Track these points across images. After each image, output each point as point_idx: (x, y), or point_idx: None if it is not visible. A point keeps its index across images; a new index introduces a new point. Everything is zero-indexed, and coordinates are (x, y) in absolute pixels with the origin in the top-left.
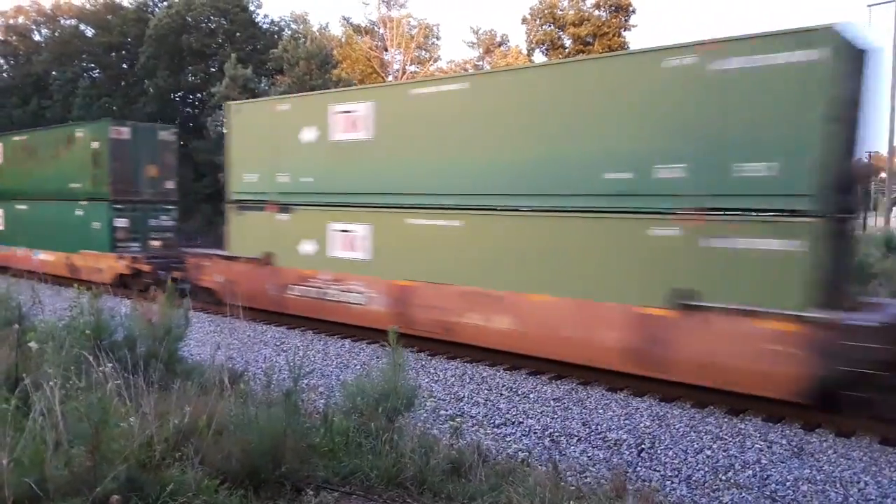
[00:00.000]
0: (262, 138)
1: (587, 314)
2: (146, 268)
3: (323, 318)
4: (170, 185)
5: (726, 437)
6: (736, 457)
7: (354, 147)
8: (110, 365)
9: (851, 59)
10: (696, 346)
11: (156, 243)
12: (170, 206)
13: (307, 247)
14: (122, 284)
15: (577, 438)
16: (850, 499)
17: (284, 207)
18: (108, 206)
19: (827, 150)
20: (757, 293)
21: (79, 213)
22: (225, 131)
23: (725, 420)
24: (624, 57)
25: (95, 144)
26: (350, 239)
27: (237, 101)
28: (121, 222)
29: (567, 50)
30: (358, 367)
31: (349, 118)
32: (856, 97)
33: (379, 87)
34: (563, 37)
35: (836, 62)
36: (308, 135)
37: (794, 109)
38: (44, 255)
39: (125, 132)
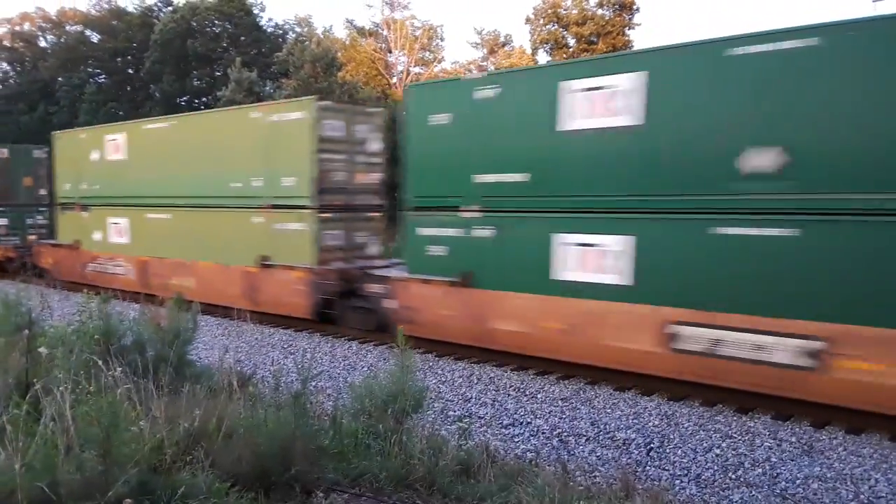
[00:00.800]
0: (73, 158)
1: (226, 274)
2: (13, 255)
3: (103, 285)
4: (43, 192)
5: (735, 435)
6: (745, 455)
7: (118, 164)
8: (120, 369)
9: (337, 117)
10: (270, 289)
11: (32, 237)
12: (43, 208)
13: (97, 235)
14: (2, 269)
15: (585, 438)
16: (861, 496)
17: (84, 207)
18: None
19: (316, 170)
20: (293, 255)
21: None
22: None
23: (734, 418)
24: (235, 111)
25: None
26: (118, 229)
27: (59, 132)
28: (2, 221)
29: (571, 49)
30: (365, 368)
31: (115, 144)
32: (352, 138)
33: (129, 123)
34: (566, 36)
35: (314, 119)
36: (95, 156)
37: (300, 146)
38: None
39: (5, 152)
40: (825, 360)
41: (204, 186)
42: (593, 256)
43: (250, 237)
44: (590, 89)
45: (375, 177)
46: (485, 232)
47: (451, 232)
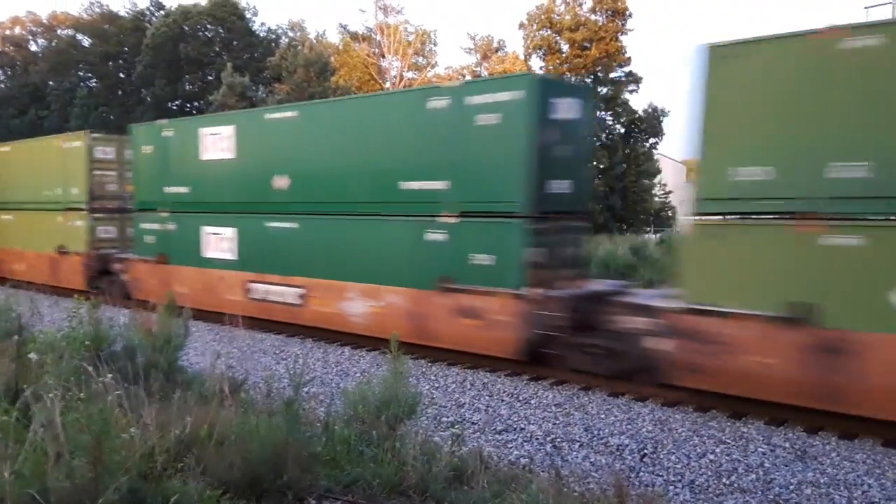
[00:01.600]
0: None
1: (40, 259)
2: None
3: None
4: None
5: (729, 440)
6: (739, 461)
7: None
8: (110, 375)
9: (109, 144)
10: (64, 270)
11: None
12: None
13: None
14: None
15: (579, 444)
16: (854, 501)
17: None
18: None
19: (89, 182)
20: (77, 245)
21: None
22: None
23: (728, 424)
24: (48, 139)
25: None
26: None
27: None
28: None
29: (564, 55)
30: (358, 374)
31: None
32: (123, 159)
33: None
34: (560, 41)
35: (87, 147)
36: None
37: (79, 165)
38: None
39: None
40: (306, 300)
41: (31, 194)
42: (219, 241)
43: (55, 231)
44: (212, 134)
45: None
46: (171, 226)
47: (155, 226)
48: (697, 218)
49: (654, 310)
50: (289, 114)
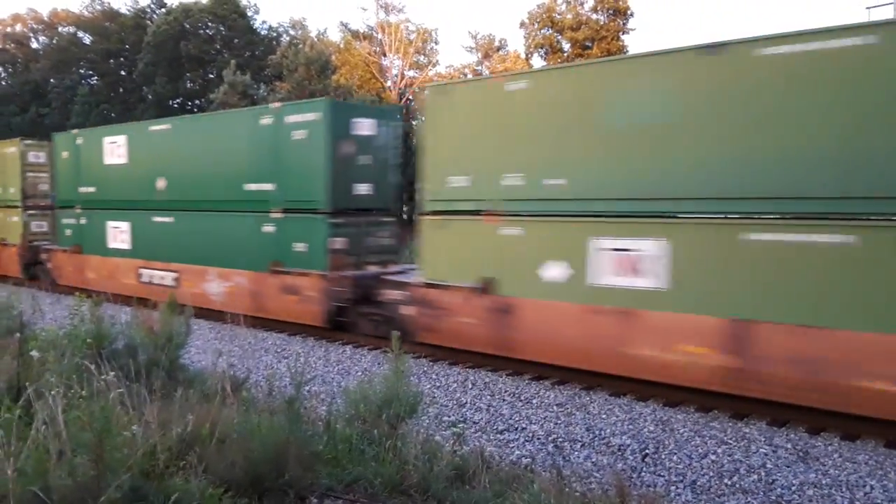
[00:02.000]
0: None
1: None
2: None
3: None
4: None
5: (731, 441)
6: (741, 461)
7: None
8: (112, 373)
9: (41, 149)
10: (3, 259)
11: None
12: None
13: None
14: None
15: (580, 444)
16: (857, 503)
17: None
18: None
19: (22, 183)
20: (13, 237)
21: None
22: None
23: (730, 424)
24: None
25: None
26: None
27: None
28: None
29: (566, 54)
30: (359, 373)
31: None
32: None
33: None
34: (561, 41)
35: (21, 152)
36: None
37: (15, 169)
38: None
39: None
40: (179, 282)
41: None
42: (119, 234)
43: None
44: (111, 142)
45: None
46: (84, 220)
47: (72, 221)
48: (427, 214)
49: (405, 284)
50: (165, 126)
